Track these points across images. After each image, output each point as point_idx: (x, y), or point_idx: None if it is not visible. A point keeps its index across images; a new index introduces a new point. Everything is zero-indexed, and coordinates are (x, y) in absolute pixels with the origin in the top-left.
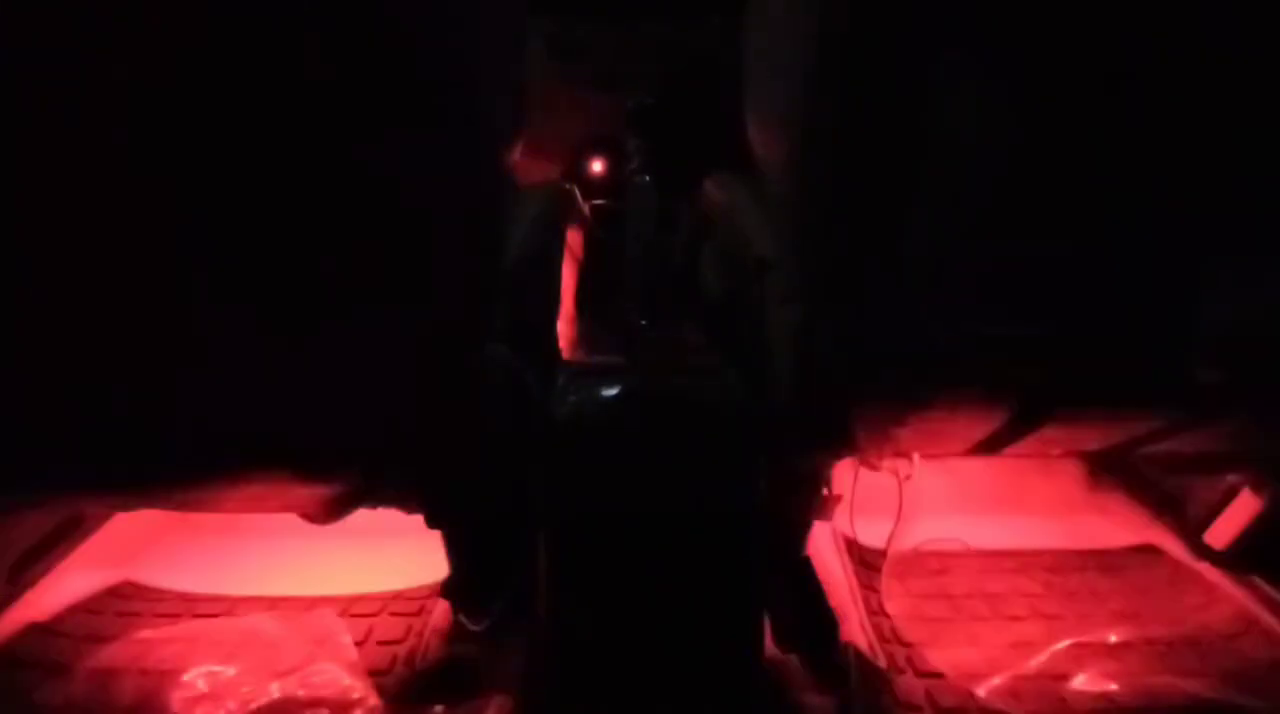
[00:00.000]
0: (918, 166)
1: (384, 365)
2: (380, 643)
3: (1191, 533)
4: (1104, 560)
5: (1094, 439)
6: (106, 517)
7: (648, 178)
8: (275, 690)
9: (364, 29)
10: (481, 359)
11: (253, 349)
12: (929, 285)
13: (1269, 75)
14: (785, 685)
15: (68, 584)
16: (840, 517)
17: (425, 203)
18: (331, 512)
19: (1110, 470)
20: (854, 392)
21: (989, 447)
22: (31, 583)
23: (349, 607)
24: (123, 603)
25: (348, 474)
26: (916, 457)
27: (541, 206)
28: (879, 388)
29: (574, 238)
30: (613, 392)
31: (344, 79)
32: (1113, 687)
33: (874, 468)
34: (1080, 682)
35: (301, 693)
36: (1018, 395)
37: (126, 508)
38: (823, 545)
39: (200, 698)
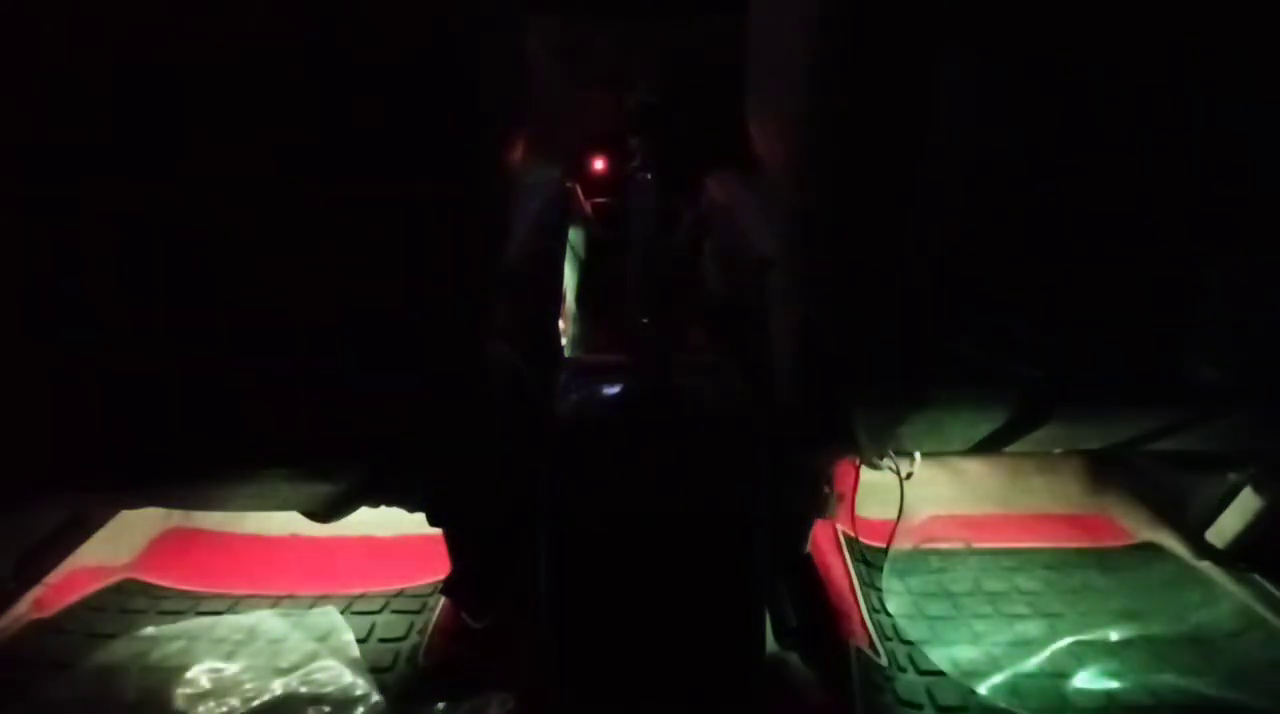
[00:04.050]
0: (918, 165)
1: (386, 364)
2: (382, 640)
3: (1193, 531)
4: (1105, 559)
5: (1095, 438)
6: (110, 514)
7: (649, 176)
8: (278, 688)
9: (364, 28)
10: (483, 358)
11: (254, 347)
12: (930, 284)
13: (1270, 75)
14: (786, 684)
15: (71, 581)
16: (841, 514)
17: (426, 201)
18: (334, 509)
19: (1111, 468)
20: (855, 390)
21: (990, 445)
22: (35, 580)
23: (351, 604)
24: (126, 600)
25: (350, 472)
26: (917, 455)
27: (543, 205)
28: (880, 386)
29: (576, 236)
30: (614, 390)
31: (344, 78)
32: (1114, 685)
33: (875, 466)
34: (1081, 680)
35: (304, 690)
36: (1018, 394)
37: (130, 505)
38: (824, 543)
39: (203, 695)
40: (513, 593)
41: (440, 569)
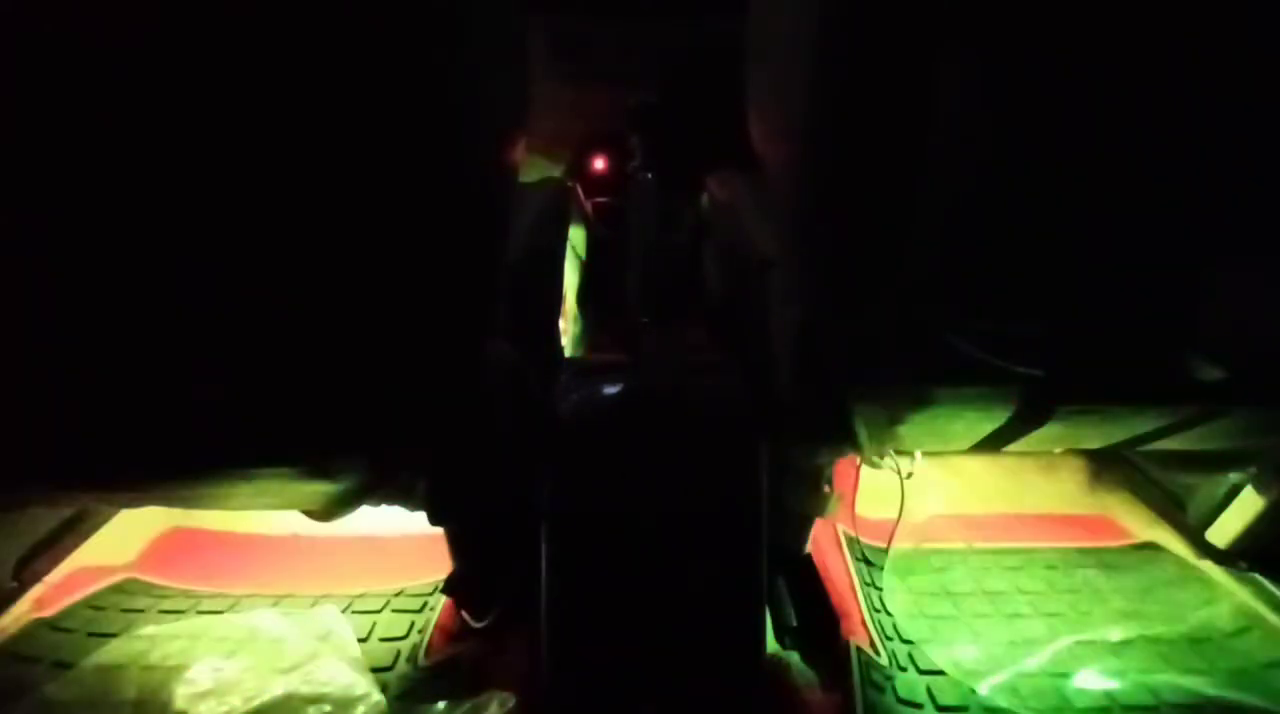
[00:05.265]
0: (918, 165)
1: (387, 363)
2: (383, 639)
3: (1194, 531)
4: (1105, 558)
5: (1095, 437)
6: (111, 513)
7: (650, 175)
8: (278, 686)
9: (365, 29)
10: (484, 357)
11: (257, 346)
12: (930, 283)
13: (1270, 75)
14: (786, 683)
15: (72, 580)
16: (842, 514)
17: (428, 201)
18: (335, 509)
19: (1112, 468)
20: (855, 389)
21: (990, 444)
22: (35, 579)
23: (352, 603)
24: (127, 599)
25: (350, 472)
26: (918, 454)
27: (544, 204)
28: (880, 386)
29: (576, 236)
30: (615, 390)
31: (345, 78)
32: (1114, 684)
33: (875, 466)
34: (1081, 679)
35: (304, 689)
36: (1019, 394)
37: (132, 504)
38: (824, 543)
39: (204, 694)
40: (513, 593)
41: (440, 569)
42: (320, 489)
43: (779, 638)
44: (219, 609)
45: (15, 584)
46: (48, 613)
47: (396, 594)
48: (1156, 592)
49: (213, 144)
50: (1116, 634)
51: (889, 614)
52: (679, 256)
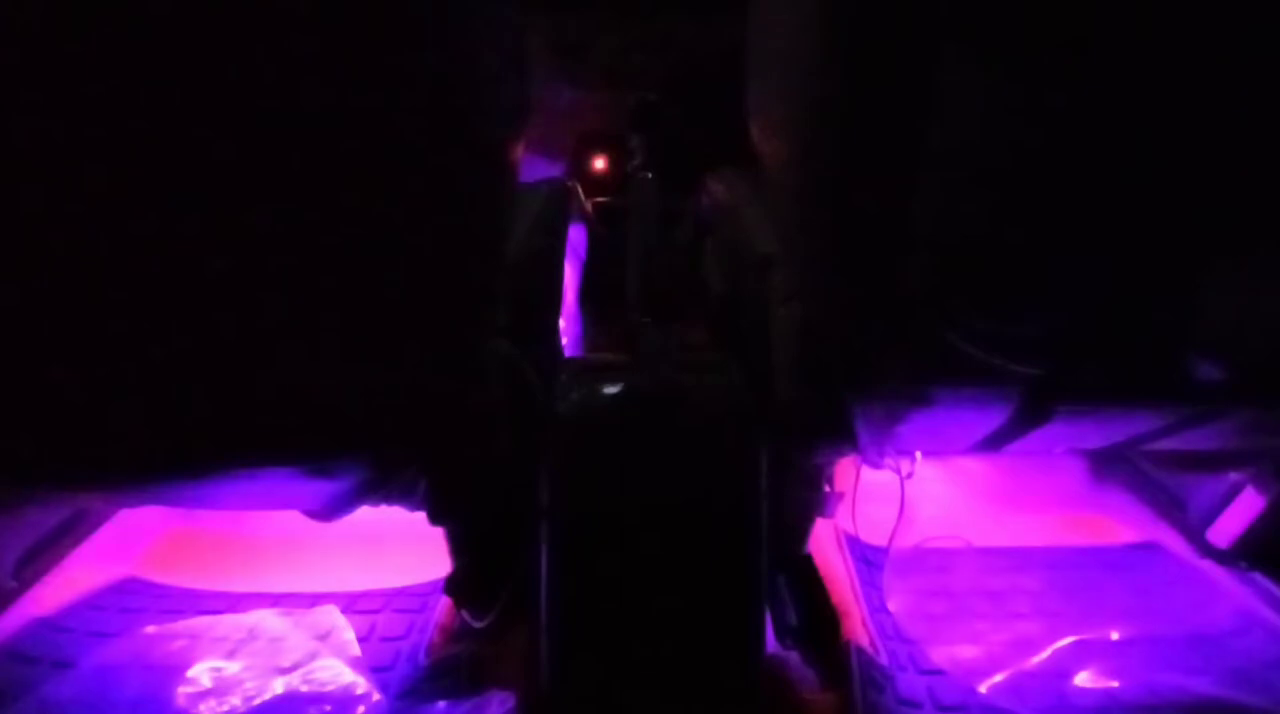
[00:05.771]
0: (919, 165)
1: (387, 362)
2: (383, 639)
3: (1193, 531)
4: (1106, 558)
5: (1096, 437)
6: (111, 513)
7: (650, 175)
8: (278, 686)
9: (364, 28)
10: (483, 357)
11: (256, 346)
12: (930, 283)
13: (1270, 76)
14: (786, 683)
15: (72, 580)
16: (842, 514)
17: (427, 201)
18: (335, 509)
19: (1112, 468)
20: (855, 389)
21: (990, 444)
22: (36, 578)
23: (352, 603)
24: (127, 599)
25: (350, 472)
26: (918, 454)
27: (543, 204)
28: (880, 386)
29: (576, 235)
30: (615, 389)
31: (343, 78)
32: (1114, 684)
33: (875, 465)
34: (1082, 679)
35: (305, 689)
36: (1019, 394)
37: (131, 504)
38: (824, 542)
39: (204, 694)
40: (513, 593)
41: (441, 568)
42: (319, 490)
43: (779, 638)
44: (219, 609)
45: (15, 584)
46: (48, 613)
47: (396, 594)
48: (1156, 591)
49: (212, 144)
50: (1117, 634)
51: (889, 614)
52: (679, 256)
